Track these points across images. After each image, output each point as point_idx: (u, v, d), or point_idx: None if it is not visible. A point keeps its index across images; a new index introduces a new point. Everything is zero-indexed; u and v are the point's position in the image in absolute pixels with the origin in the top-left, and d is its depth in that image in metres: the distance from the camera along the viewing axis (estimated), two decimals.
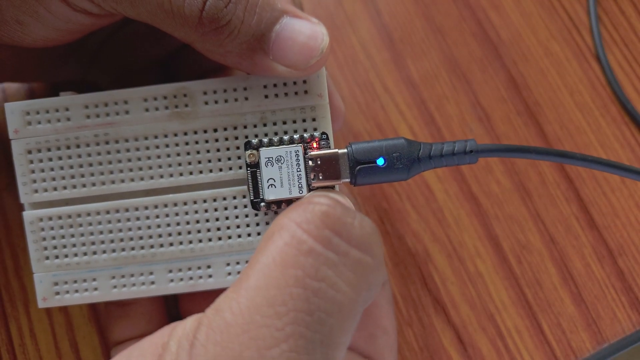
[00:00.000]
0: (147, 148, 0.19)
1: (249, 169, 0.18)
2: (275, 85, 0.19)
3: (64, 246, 0.19)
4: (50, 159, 0.19)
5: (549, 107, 0.28)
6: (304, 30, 0.17)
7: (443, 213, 0.26)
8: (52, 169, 0.19)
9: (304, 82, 0.19)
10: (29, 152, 0.19)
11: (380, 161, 0.18)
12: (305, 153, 0.18)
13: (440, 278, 0.25)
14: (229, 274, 0.19)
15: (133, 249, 0.19)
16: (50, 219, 0.19)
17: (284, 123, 0.19)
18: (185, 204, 0.19)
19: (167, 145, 0.19)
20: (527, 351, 0.24)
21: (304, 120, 0.19)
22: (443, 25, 0.29)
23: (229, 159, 0.19)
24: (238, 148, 0.19)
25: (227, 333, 0.14)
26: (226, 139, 0.19)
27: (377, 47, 0.28)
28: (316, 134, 0.19)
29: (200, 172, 0.19)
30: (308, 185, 0.18)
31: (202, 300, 0.21)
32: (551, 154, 0.19)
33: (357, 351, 0.20)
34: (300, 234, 0.15)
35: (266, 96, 0.19)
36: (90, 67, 0.24)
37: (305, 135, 0.19)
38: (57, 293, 0.19)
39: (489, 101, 0.28)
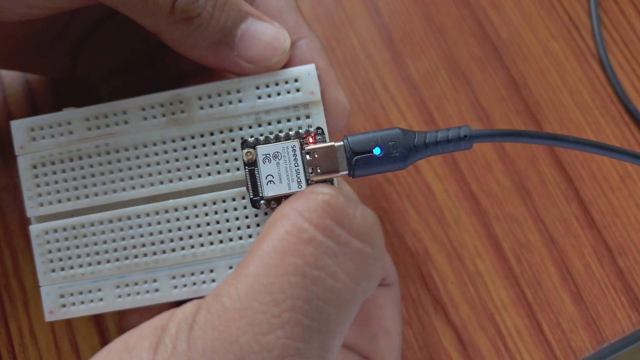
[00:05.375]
0: (147, 156, 0.19)
1: (246, 167, 0.18)
2: (267, 86, 0.19)
3: (69, 257, 0.19)
4: (55, 172, 0.19)
5: (548, 106, 0.28)
6: (267, 32, 0.19)
7: (443, 212, 0.26)
8: (56, 182, 0.19)
9: (296, 80, 0.19)
10: (34, 166, 0.19)
11: (376, 151, 0.18)
12: (302, 148, 0.18)
13: (440, 277, 0.25)
14: None
15: (136, 256, 0.19)
16: (55, 231, 0.19)
17: (279, 122, 0.19)
18: (185, 208, 0.19)
19: (165, 152, 0.19)
20: (527, 351, 0.24)
21: (298, 119, 0.19)
22: (443, 24, 0.29)
23: (227, 161, 0.19)
24: (235, 150, 0.19)
25: (225, 318, 0.15)
26: (223, 142, 0.19)
27: (377, 46, 0.28)
28: (311, 129, 0.19)
29: (199, 176, 0.19)
30: (307, 179, 0.18)
31: None
32: (544, 137, 0.19)
33: (357, 351, 0.20)
34: (302, 222, 0.16)
35: (259, 97, 0.19)
36: (76, 60, 0.24)
37: (300, 131, 0.19)
38: (64, 305, 0.20)
39: (488, 101, 0.28)
